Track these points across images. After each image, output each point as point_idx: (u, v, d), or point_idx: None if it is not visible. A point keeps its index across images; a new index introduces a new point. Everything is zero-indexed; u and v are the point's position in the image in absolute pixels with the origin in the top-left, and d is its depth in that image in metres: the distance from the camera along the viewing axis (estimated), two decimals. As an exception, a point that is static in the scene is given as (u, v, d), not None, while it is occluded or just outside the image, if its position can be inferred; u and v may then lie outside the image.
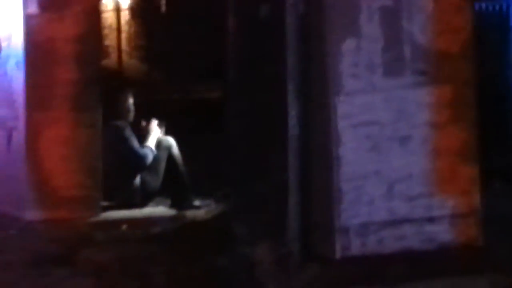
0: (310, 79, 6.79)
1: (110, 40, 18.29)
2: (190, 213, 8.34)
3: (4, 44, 8.49)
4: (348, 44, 6.77)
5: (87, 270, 6.65)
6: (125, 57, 16.14)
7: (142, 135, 8.82)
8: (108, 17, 18.11)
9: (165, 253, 7.11)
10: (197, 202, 8.53)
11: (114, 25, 17.19)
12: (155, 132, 8.68)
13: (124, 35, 17.26)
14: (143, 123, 8.82)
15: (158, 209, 8.55)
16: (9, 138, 8.38)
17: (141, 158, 8.56)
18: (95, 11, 9.47)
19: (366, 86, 6.83)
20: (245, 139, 6.95)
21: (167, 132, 8.83)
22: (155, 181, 8.57)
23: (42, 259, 6.90)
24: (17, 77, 8.23)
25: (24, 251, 7.17)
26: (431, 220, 6.87)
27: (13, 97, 8.30)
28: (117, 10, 17.45)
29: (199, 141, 9.26)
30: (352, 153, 6.76)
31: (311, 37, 6.81)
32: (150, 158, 8.61)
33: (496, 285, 6.20)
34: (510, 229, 7.25)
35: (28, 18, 8.12)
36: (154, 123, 8.74)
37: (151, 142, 8.67)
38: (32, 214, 8.05)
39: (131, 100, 8.90)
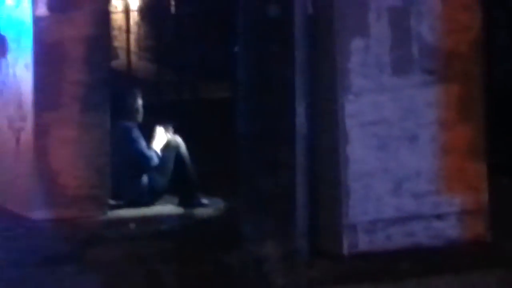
0: (318, 78, 6.88)
1: (119, 42, 18.38)
2: (197, 211, 8.42)
3: (13, 46, 8.54)
4: (357, 44, 6.85)
5: (96, 268, 6.68)
6: (134, 58, 16.12)
7: (152, 138, 8.88)
8: (118, 18, 18.19)
9: (173, 251, 7.17)
10: (204, 200, 8.56)
11: (124, 27, 17.26)
12: (160, 136, 8.76)
13: (133, 36, 17.29)
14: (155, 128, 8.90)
15: (166, 208, 8.58)
16: (18, 138, 8.42)
17: (147, 159, 8.63)
18: (104, 13, 9.50)
19: (374, 85, 6.91)
20: (253, 138, 6.98)
21: (175, 132, 8.90)
22: (163, 180, 8.63)
23: (51, 258, 6.92)
24: (26, 78, 8.29)
25: (32, 249, 7.20)
26: (439, 217, 6.95)
27: (21, 98, 8.35)
28: (127, 11, 17.48)
29: (208, 141, 9.26)
30: (360, 151, 6.84)
31: (320, 36, 6.90)
32: (155, 160, 8.69)
33: (505, 280, 6.24)
34: None
35: (37, 20, 8.18)
36: (160, 129, 8.84)
37: (156, 146, 8.77)
38: (41, 214, 8.12)
39: (139, 101, 8.96)
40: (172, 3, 16.68)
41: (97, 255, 7.05)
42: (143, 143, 8.66)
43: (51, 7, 8.19)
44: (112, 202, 8.45)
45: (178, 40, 15.42)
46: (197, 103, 10.74)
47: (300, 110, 6.76)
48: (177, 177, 8.63)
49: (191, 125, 9.22)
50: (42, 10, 8.20)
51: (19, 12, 8.47)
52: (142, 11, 18.30)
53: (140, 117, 8.81)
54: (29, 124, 8.24)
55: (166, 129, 8.83)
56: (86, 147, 8.30)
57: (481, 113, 7.16)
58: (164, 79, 12.75)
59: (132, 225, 8.06)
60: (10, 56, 8.62)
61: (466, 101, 7.08)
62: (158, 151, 8.74)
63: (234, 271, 6.46)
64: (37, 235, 7.70)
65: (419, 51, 6.97)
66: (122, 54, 18.33)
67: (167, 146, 8.71)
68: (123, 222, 8.19)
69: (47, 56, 8.23)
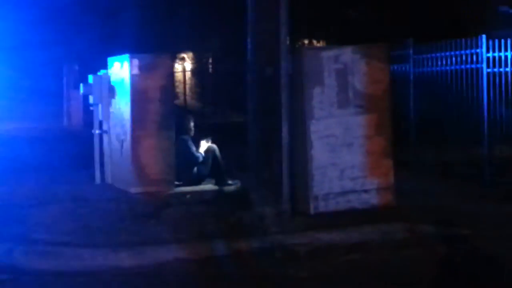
0: (295, 111, 6.83)
1: (179, 89, 18.41)
2: (226, 188, 8.31)
3: (118, 91, 8.52)
4: (317, 91, 6.84)
5: (167, 221, 6.71)
6: (188, 98, 16.17)
7: (197, 143, 8.69)
8: (178, 75, 18.15)
9: (211, 211, 7.12)
10: (230, 182, 8.41)
11: (182, 80, 17.26)
12: (203, 146, 8.61)
13: (187, 86, 17.28)
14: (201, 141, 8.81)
15: (207, 186, 8.45)
16: (122, 146, 8.37)
17: (196, 158, 8.48)
18: (171, 72, 9.49)
19: (327, 114, 6.88)
20: (257, 145, 6.91)
21: (212, 142, 8.73)
22: (205, 170, 8.51)
23: (141, 215, 6.96)
24: (126, 110, 8.21)
25: (130, 210, 7.18)
26: (365, 191, 6.95)
27: (124, 122, 8.28)
28: (184, 71, 17.45)
29: (231, 146, 9.19)
30: (319, 153, 6.83)
31: (296, 87, 6.88)
32: (201, 158, 8.52)
33: (403, 228, 6.23)
34: (411, 197, 7.27)
35: (132, 76, 8.12)
36: (203, 141, 8.65)
37: (201, 150, 8.57)
38: (135, 189, 8.05)
39: (192, 124, 8.79)
40: (210, 66, 16.74)
41: (167, 214, 7.05)
42: (194, 148, 8.54)
43: (141, 69, 8.14)
44: (176, 182, 8.34)
45: (214, 87, 15.40)
46: (226, 124, 10.63)
47: (285, 129, 6.72)
48: (214, 168, 8.51)
49: (222, 137, 9.16)
50: (136, 71, 8.14)
51: (122, 72, 8.45)
52: (193, 71, 18.30)
53: (192, 133, 8.66)
54: (128, 137, 8.18)
55: (207, 140, 8.70)
56: (161, 150, 8.18)
57: (389, 131, 7.14)
58: (206, 110, 12.70)
59: (188, 196, 8.00)
60: (117, 97, 8.59)
61: (380, 123, 7.07)
62: (203, 153, 8.61)
63: (247, 223, 6.45)
64: (131, 201, 7.64)
65: (353, 95, 6.95)
66: (181, 96, 18.30)
67: (208, 150, 8.59)
68: (183, 194, 8.11)
69: (138, 97, 8.14)
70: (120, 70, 8.49)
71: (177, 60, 17.13)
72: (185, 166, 8.47)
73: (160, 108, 8.24)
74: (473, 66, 8.77)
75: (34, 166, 10.17)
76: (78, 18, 16.19)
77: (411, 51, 10.13)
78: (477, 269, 5.29)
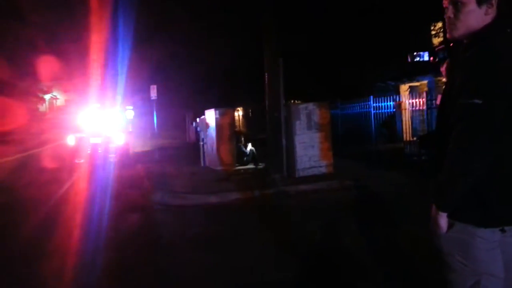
0: (288, 131, 6.77)
1: (237, 123, 17.72)
2: (258, 167, 8.15)
3: (208, 125, 8.58)
4: (297, 122, 6.81)
5: (232, 181, 6.65)
6: (240, 127, 15.87)
7: (245, 147, 8.67)
8: (236, 117, 17.60)
9: (252, 177, 7.09)
10: (260, 164, 8.26)
11: (238, 119, 16.70)
12: (248, 147, 8.57)
13: (240, 121, 17.10)
14: (247, 145, 8.70)
15: (249, 166, 8.35)
16: (212, 148, 8.38)
17: (245, 152, 8.47)
18: (233, 116, 8.99)
19: (302, 133, 6.83)
20: (272, 146, 6.91)
21: (252, 145, 8.66)
22: (249, 158, 8.47)
23: (220, 179, 6.87)
24: (213, 133, 8.29)
25: (215, 177, 7.09)
26: (320, 166, 6.88)
27: (213, 138, 8.32)
28: (238, 115, 17.16)
29: (261, 147, 8.68)
30: (299, 150, 6.78)
31: (287, 121, 6.82)
32: (247, 153, 8.47)
33: (337, 182, 6.16)
34: (340, 169, 7.02)
35: (216, 118, 8.16)
36: (248, 145, 8.64)
37: (248, 149, 8.57)
38: (218, 168, 8.03)
39: (242, 138, 8.88)
40: (250, 112, 16.64)
41: (232, 178, 6.91)
42: (244, 148, 8.57)
43: (220, 115, 8.14)
44: (236, 164, 8.31)
45: (252, 122, 15.24)
46: (257, 138, 10.00)
47: (283, 139, 6.71)
48: (253, 157, 8.46)
49: (256, 143, 8.71)
50: (217, 115, 8.09)
51: (211, 116, 8.39)
52: (242, 115, 18.11)
53: (243, 142, 8.75)
54: (215, 144, 8.20)
55: (250, 144, 8.65)
56: (229, 150, 8.17)
57: (330, 139, 7.04)
58: (248, 132, 12.37)
59: (242, 171, 7.88)
60: (209, 128, 8.56)
61: (326, 136, 6.96)
62: (248, 150, 8.58)
63: (267, 182, 6.41)
64: (216, 173, 7.59)
65: (313, 124, 6.89)
66: (237, 127, 17.85)
67: (250, 149, 8.57)
68: (239, 170, 8.02)
69: (219, 127, 8.10)
70: (211, 115, 8.56)
71: (236, 110, 17.15)
72: (240, 157, 8.44)
73: (228, 132, 8.30)
74: (367, 109, 8.86)
75: (173, 157, 10.28)
76: (192, 91, 16.97)
77: (339, 104, 10.19)
78: (369, 198, 5.39)
